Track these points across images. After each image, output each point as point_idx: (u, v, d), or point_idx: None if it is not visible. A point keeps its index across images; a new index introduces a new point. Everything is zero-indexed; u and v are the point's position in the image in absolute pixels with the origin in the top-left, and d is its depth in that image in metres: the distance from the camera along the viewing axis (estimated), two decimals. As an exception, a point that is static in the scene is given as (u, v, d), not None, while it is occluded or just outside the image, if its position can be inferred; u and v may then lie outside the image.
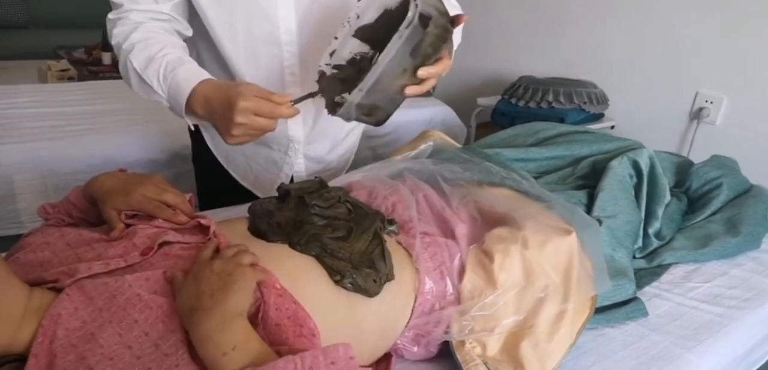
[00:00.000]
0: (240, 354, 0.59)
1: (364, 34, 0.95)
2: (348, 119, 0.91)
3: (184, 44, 1.06)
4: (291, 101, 0.90)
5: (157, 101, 1.00)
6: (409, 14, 0.80)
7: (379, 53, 0.83)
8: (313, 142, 1.25)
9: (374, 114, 0.92)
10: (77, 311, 0.63)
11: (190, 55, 1.17)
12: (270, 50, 1.07)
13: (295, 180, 1.27)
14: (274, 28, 1.05)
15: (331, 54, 0.94)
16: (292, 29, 1.06)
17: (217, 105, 0.91)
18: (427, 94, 3.10)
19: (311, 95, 0.92)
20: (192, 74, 0.95)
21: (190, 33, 1.09)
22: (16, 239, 0.79)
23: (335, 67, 0.94)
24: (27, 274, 0.68)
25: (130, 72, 1.00)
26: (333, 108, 0.91)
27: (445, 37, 0.87)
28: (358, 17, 0.92)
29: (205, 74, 0.96)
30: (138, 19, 1.01)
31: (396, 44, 0.81)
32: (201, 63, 1.14)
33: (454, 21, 0.90)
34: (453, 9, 1.09)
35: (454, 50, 1.06)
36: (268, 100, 0.88)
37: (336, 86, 0.93)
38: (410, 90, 0.89)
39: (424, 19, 0.82)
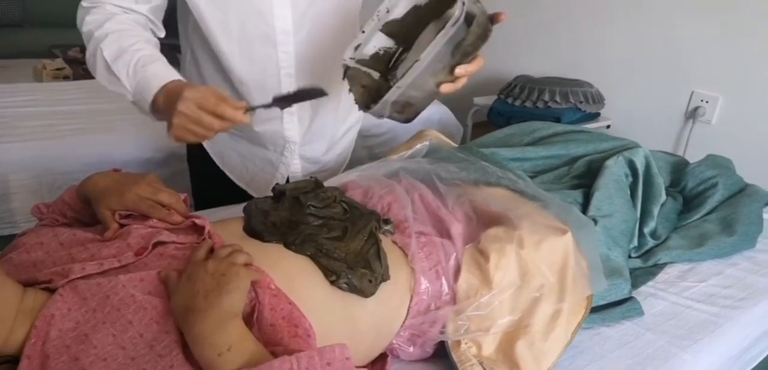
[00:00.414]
0: (235, 355, 0.59)
1: (390, 29, 0.94)
2: (380, 116, 0.91)
3: (157, 42, 1.04)
4: (247, 108, 0.87)
5: (120, 93, 0.97)
6: (457, 12, 0.79)
7: (404, 49, 0.82)
8: (309, 142, 1.25)
9: (406, 111, 0.91)
10: (71, 312, 0.63)
11: (185, 56, 1.17)
12: (265, 51, 1.07)
13: (291, 181, 1.27)
14: (270, 28, 1.05)
15: (356, 48, 0.93)
16: (288, 30, 1.06)
17: (170, 97, 0.88)
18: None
19: (266, 106, 0.89)
20: (162, 73, 0.93)
21: (162, 34, 1.07)
22: (11, 239, 0.78)
23: (358, 61, 0.93)
24: (20, 274, 0.68)
25: (98, 61, 0.97)
26: (366, 105, 0.90)
27: (485, 36, 0.87)
28: (387, 11, 0.91)
29: (176, 75, 0.94)
30: (113, 11, 0.99)
31: (440, 41, 0.81)
32: (196, 64, 1.14)
33: (494, 18, 0.90)
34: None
35: None
36: (219, 99, 0.85)
37: (362, 81, 0.92)
38: (445, 88, 0.89)
39: (469, 17, 0.82)
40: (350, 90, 0.93)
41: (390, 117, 0.91)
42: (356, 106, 0.94)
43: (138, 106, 0.97)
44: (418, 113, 0.94)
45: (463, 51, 0.85)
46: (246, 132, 1.22)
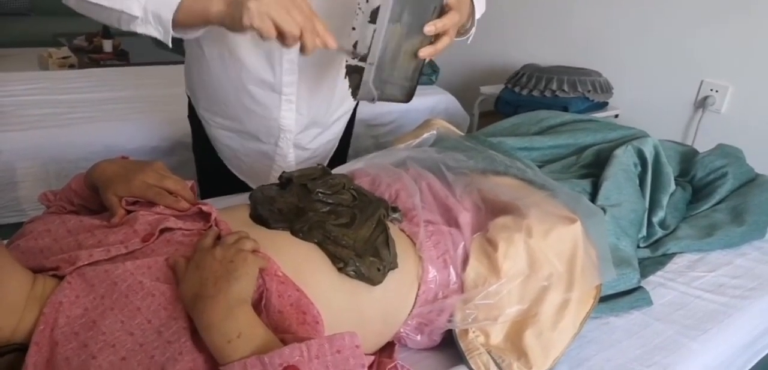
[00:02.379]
0: (245, 342, 0.59)
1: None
2: (372, 100, 0.89)
3: None
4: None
5: (110, 11, 0.84)
6: None
7: None
8: (304, 129, 1.24)
9: (392, 89, 0.89)
10: (78, 298, 0.63)
11: (188, 38, 1.15)
12: None
13: (288, 170, 1.26)
14: None
15: (355, 46, 0.92)
16: None
17: None
18: (430, 82, 3.07)
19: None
20: None
21: None
22: (18, 227, 0.78)
23: (362, 58, 0.91)
24: (28, 261, 0.68)
25: None
26: (354, 93, 0.89)
27: None
28: (367, 1, 0.90)
29: None
30: None
31: (387, 5, 0.79)
32: (200, 45, 1.12)
33: None
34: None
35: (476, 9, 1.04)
36: None
37: (359, 72, 0.91)
38: (424, 52, 0.86)
39: None
40: (349, 86, 0.92)
41: (388, 99, 0.90)
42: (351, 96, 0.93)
43: (148, 25, 0.85)
44: (411, 89, 0.91)
45: (421, 6, 0.82)
46: (237, 125, 1.22)
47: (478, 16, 1.06)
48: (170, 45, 0.89)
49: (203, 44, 1.10)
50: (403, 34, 0.83)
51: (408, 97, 0.92)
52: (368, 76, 0.84)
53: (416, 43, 0.85)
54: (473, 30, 1.06)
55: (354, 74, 0.90)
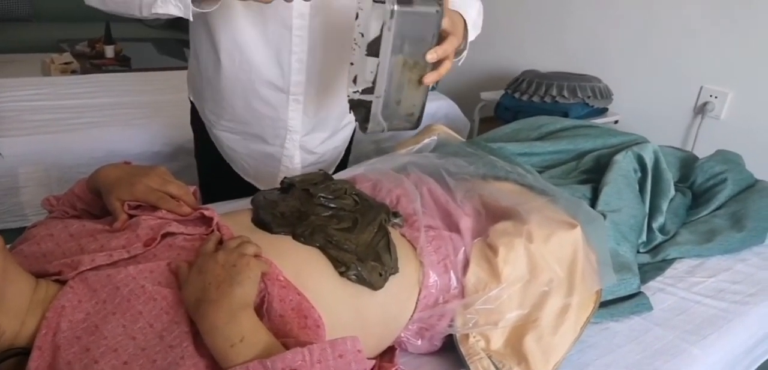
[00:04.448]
0: (248, 346, 0.59)
1: (376, 49, 0.94)
2: (381, 131, 0.90)
3: None
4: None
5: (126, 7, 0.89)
6: (387, 6, 0.79)
7: None
8: (312, 131, 1.24)
9: (398, 117, 0.90)
10: (81, 303, 0.63)
11: (195, 34, 1.16)
12: (280, 31, 1.07)
13: (291, 173, 1.27)
14: (287, 9, 1.04)
15: (354, 80, 0.93)
16: (305, 14, 1.05)
17: None
18: (431, 88, 3.08)
19: None
20: None
21: None
22: (20, 232, 0.78)
23: (364, 91, 0.92)
24: (30, 266, 0.68)
25: None
26: (362, 126, 0.90)
27: (433, 15, 0.84)
28: (362, 35, 0.91)
29: None
30: None
31: (388, 36, 0.80)
32: (214, 46, 1.12)
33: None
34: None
35: (471, 26, 1.05)
36: None
37: (365, 105, 0.92)
38: (429, 78, 0.88)
39: (406, 3, 0.81)
40: (356, 119, 0.93)
41: (396, 128, 0.91)
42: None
43: (160, 4, 0.88)
44: (418, 115, 0.93)
45: (420, 37, 0.83)
46: (243, 127, 1.22)
47: (471, 38, 1.08)
48: (191, 18, 0.91)
49: (218, 45, 1.11)
50: (406, 64, 0.84)
51: (416, 125, 0.94)
52: (376, 108, 0.85)
53: (419, 71, 0.86)
54: (465, 53, 1.07)
55: (359, 108, 0.91)
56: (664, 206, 1.24)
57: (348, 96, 0.92)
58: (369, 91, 0.90)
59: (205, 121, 1.29)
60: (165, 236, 0.73)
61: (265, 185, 1.30)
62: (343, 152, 1.40)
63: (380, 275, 0.77)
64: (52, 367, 0.59)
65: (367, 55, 0.89)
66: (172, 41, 4.13)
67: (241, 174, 1.33)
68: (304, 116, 1.19)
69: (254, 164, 1.29)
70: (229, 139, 1.27)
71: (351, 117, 1.32)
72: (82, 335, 0.61)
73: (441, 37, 0.87)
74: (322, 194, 0.86)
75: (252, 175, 1.33)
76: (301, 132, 1.21)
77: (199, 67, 1.20)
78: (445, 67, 0.89)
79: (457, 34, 0.90)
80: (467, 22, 1.02)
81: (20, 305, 0.61)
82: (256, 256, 0.70)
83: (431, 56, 0.85)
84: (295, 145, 1.23)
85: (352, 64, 0.91)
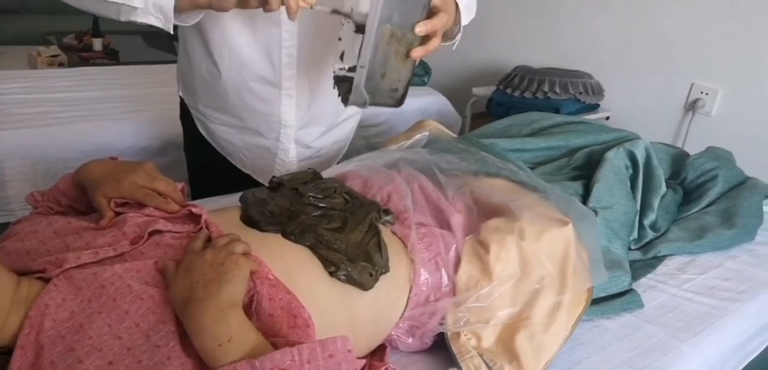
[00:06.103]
0: (236, 346, 0.58)
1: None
2: (363, 104, 0.88)
3: None
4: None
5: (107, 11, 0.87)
6: None
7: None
8: (306, 126, 1.23)
9: (381, 92, 0.89)
10: (65, 301, 0.62)
11: (184, 32, 1.14)
12: (269, 28, 1.06)
13: (287, 167, 1.26)
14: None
15: (341, 57, 0.91)
16: None
17: None
18: (423, 83, 3.07)
19: None
20: None
21: None
22: (5, 227, 0.77)
23: (350, 69, 0.91)
24: (13, 263, 0.66)
25: None
26: (344, 99, 0.88)
27: None
28: (351, 10, 0.90)
29: None
30: None
31: (377, 5, 0.79)
32: (205, 44, 1.11)
33: None
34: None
35: (464, 9, 1.04)
36: None
37: (350, 81, 0.91)
38: (416, 52, 0.86)
39: None
40: (339, 94, 0.92)
41: (379, 104, 0.89)
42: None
43: (147, 13, 0.86)
44: (402, 92, 0.91)
45: (409, 8, 0.83)
46: (238, 121, 1.21)
47: (465, 22, 1.07)
48: (171, 31, 0.90)
49: (208, 44, 1.09)
50: (393, 35, 0.83)
51: (399, 102, 0.91)
52: (360, 78, 0.83)
53: (406, 44, 0.85)
54: (459, 36, 1.06)
55: (344, 83, 0.90)
56: (656, 202, 1.24)
57: (334, 72, 0.91)
58: (355, 68, 0.89)
59: (199, 116, 1.28)
60: (152, 233, 0.72)
61: (263, 178, 1.29)
62: (344, 148, 1.39)
63: (370, 275, 0.77)
64: (35, 367, 0.58)
65: (356, 31, 0.87)
66: (162, 35, 4.09)
67: (239, 166, 1.32)
68: (297, 110, 1.18)
69: (251, 157, 1.29)
70: (225, 133, 1.26)
71: (350, 111, 1.31)
72: (66, 335, 0.59)
73: (431, 13, 0.86)
74: (312, 194, 0.85)
75: (249, 168, 1.32)
76: (295, 126, 1.21)
77: (191, 64, 1.18)
78: (434, 44, 0.88)
79: (448, 11, 0.89)
80: (460, 4, 1.01)
81: (2, 304, 0.60)
82: (245, 254, 0.69)
83: (420, 29, 0.84)
84: (290, 139, 1.22)
85: (340, 39, 0.90)
